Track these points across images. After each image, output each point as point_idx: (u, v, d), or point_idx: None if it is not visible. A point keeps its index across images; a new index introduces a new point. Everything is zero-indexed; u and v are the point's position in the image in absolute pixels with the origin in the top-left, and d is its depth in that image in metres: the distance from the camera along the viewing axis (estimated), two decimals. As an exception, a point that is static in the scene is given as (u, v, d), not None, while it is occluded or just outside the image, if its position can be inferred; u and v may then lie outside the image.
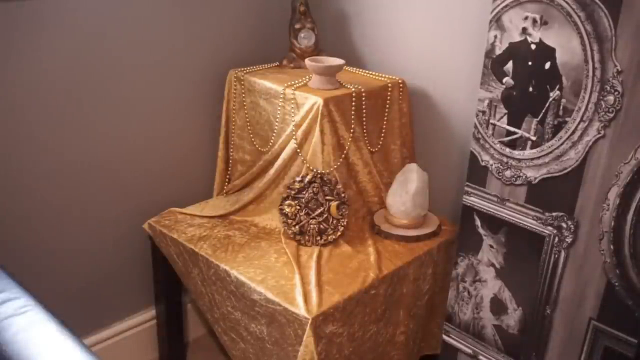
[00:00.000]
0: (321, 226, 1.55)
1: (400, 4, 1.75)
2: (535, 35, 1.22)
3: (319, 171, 1.54)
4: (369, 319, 1.46)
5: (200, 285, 1.57)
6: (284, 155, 1.61)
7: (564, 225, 1.28)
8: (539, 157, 1.28)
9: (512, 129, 1.31)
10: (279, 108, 1.63)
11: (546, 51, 1.21)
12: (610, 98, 1.14)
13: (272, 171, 1.65)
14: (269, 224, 1.65)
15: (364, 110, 1.63)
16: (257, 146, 1.73)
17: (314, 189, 1.53)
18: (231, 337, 1.54)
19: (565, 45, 1.18)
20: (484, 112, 1.35)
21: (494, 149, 1.35)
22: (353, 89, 1.60)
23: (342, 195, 1.55)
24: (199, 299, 1.61)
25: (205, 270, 1.53)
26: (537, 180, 1.30)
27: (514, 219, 1.36)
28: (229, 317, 1.51)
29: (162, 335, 1.84)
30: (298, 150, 1.58)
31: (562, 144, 1.23)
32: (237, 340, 1.53)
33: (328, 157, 1.56)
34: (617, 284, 1.22)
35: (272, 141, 1.68)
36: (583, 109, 1.18)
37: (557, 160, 1.25)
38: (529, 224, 1.34)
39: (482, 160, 1.38)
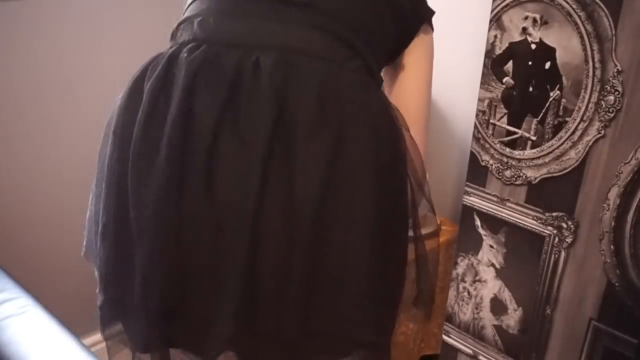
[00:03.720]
0: None
1: (400, 3, 1.75)
2: (536, 35, 1.22)
3: None
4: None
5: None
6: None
7: (564, 225, 1.28)
8: (539, 157, 1.28)
9: (512, 128, 1.31)
10: (279, 108, 1.62)
11: (546, 51, 1.21)
12: (611, 98, 1.14)
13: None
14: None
15: (364, 110, 1.63)
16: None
17: None
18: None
19: (566, 45, 1.18)
20: (484, 112, 1.35)
21: (494, 149, 1.35)
22: (353, 89, 1.60)
23: None
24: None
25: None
26: (537, 180, 1.29)
27: (514, 219, 1.36)
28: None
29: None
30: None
31: (562, 143, 1.23)
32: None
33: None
34: (617, 284, 1.22)
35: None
36: (583, 108, 1.18)
37: (557, 160, 1.25)
38: (529, 224, 1.33)
39: (482, 160, 1.38)
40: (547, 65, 1.22)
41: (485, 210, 1.40)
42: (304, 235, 0.70)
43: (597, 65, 1.14)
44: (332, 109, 0.72)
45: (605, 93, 1.14)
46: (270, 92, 0.70)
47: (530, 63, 1.24)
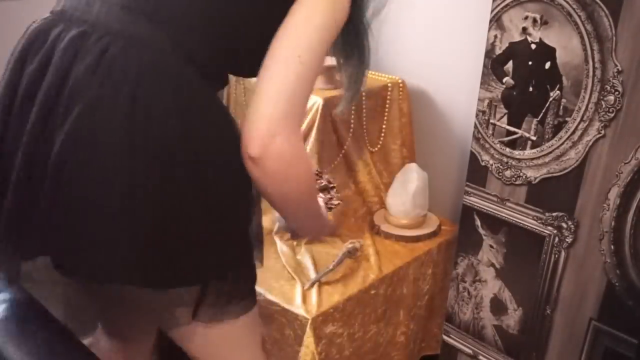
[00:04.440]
0: None
1: (400, 3, 1.75)
2: (536, 35, 1.22)
3: None
4: (369, 320, 1.46)
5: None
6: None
7: (564, 225, 1.28)
8: (539, 157, 1.28)
9: (512, 128, 1.31)
10: (279, 108, 1.62)
11: (546, 51, 1.21)
12: (611, 98, 1.14)
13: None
14: (269, 225, 1.65)
15: (364, 110, 1.63)
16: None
17: None
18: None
19: (566, 45, 1.18)
20: (484, 112, 1.35)
21: (494, 149, 1.35)
22: (353, 89, 1.60)
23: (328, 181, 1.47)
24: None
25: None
26: (537, 180, 1.29)
27: (514, 219, 1.36)
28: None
29: (162, 336, 1.83)
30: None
31: (562, 143, 1.23)
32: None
33: (326, 156, 1.56)
34: (617, 284, 1.22)
35: (271, 141, 1.67)
36: (583, 108, 1.18)
37: (557, 160, 1.25)
38: (529, 224, 1.33)
39: (482, 160, 1.38)
40: (547, 65, 1.22)
41: (485, 210, 1.41)
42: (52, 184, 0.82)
43: (597, 65, 1.14)
44: (107, 83, 0.80)
45: (605, 93, 1.14)
46: (57, 65, 0.82)
47: (530, 63, 1.24)
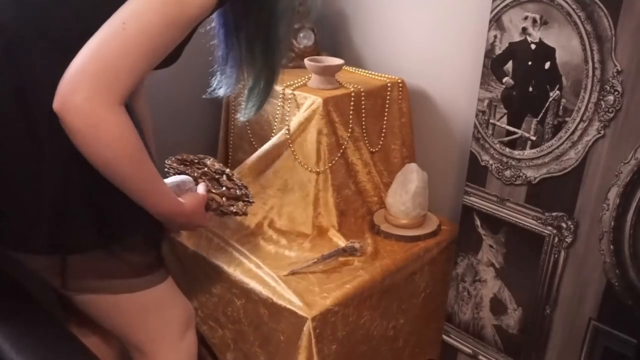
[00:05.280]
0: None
1: (399, 3, 1.75)
2: (535, 35, 1.22)
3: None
4: (364, 305, 1.44)
5: (180, 278, 1.56)
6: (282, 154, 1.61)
7: (563, 225, 1.28)
8: (538, 157, 1.28)
9: (512, 129, 1.31)
10: (279, 108, 1.63)
11: (546, 51, 1.21)
12: (610, 98, 1.14)
13: (270, 172, 1.65)
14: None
15: (364, 110, 1.63)
16: (256, 146, 1.73)
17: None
18: (210, 325, 1.54)
19: (565, 45, 1.18)
20: (483, 112, 1.35)
21: (494, 149, 1.35)
22: (352, 89, 1.60)
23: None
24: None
25: (183, 258, 1.55)
26: (537, 180, 1.30)
27: (513, 219, 1.36)
28: (206, 304, 1.52)
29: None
30: (293, 151, 1.58)
31: (562, 144, 1.23)
32: (215, 328, 1.53)
33: (324, 156, 1.56)
34: (617, 284, 1.22)
35: (271, 141, 1.68)
36: (583, 108, 1.18)
37: (557, 160, 1.25)
38: (528, 224, 1.33)
39: (482, 160, 1.38)
40: (547, 65, 1.22)
41: (485, 210, 1.41)
42: None
43: (597, 65, 1.14)
44: None
45: (605, 93, 1.14)
46: None
47: (530, 63, 1.24)
